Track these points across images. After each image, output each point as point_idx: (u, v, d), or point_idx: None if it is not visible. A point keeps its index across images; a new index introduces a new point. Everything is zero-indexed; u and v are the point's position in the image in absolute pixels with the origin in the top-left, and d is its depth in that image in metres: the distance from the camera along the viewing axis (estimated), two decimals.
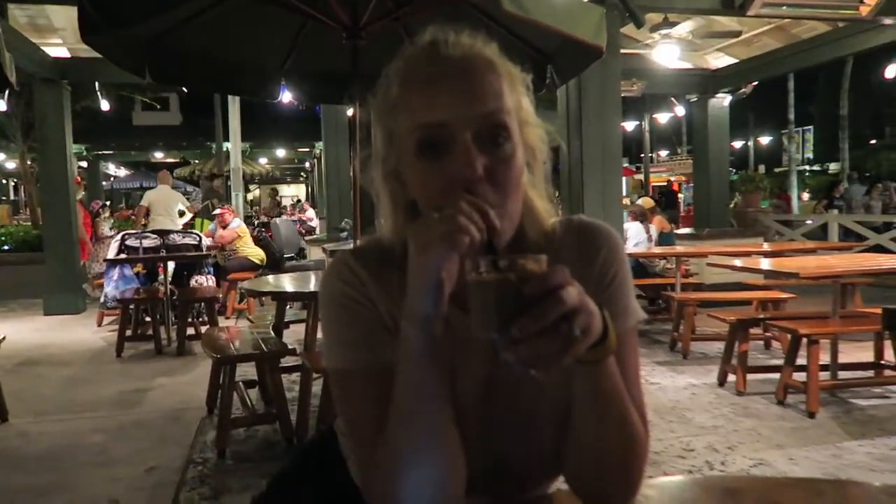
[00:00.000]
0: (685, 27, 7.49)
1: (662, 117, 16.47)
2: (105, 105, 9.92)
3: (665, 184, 23.16)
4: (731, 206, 10.19)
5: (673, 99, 10.45)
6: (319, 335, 2.47)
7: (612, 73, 5.39)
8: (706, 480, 1.61)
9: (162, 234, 6.61)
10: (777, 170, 27.17)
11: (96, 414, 3.95)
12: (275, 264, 7.82)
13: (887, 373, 4.04)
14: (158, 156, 22.08)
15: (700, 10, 6.29)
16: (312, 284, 3.66)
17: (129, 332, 5.66)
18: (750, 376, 4.07)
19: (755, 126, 29.73)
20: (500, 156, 0.76)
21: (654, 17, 6.55)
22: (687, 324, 4.99)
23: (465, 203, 0.68)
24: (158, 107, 19.07)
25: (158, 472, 3.03)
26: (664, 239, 6.92)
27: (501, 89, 0.78)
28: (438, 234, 0.67)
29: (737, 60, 8.46)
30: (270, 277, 4.95)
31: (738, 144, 28.12)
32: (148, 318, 6.03)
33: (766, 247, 7.05)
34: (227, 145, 12.63)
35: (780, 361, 4.02)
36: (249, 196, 22.08)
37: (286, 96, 4.02)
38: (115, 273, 6.49)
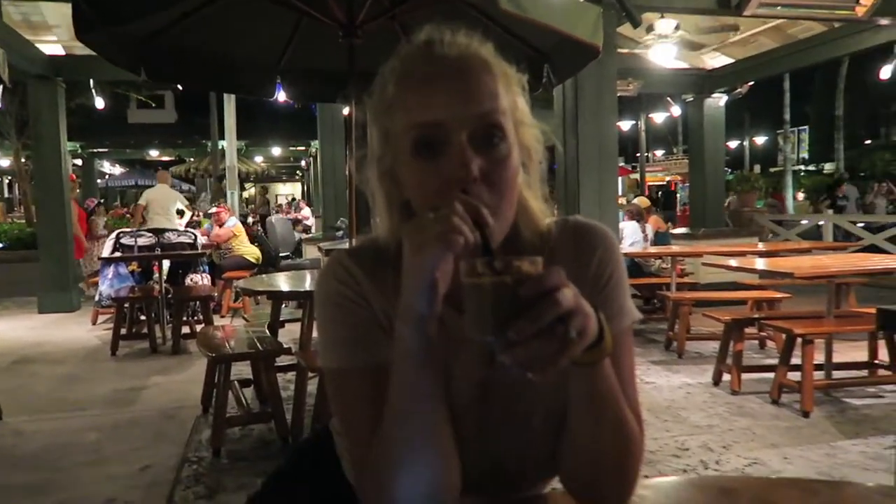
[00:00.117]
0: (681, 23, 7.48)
1: (658, 117, 16.46)
2: (100, 103, 9.86)
3: (664, 183, 23.20)
4: (726, 205, 10.21)
5: (669, 98, 10.45)
6: (315, 334, 2.47)
7: (608, 72, 5.40)
8: (701, 480, 1.62)
9: (157, 232, 6.61)
10: (773, 170, 27.25)
11: (91, 412, 3.93)
12: (270, 263, 7.81)
13: (881, 372, 4.06)
14: (153, 154, 22.01)
15: (696, 9, 6.30)
16: (308, 283, 3.66)
17: (123, 331, 5.64)
18: (745, 376, 4.08)
19: (751, 126, 29.83)
20: (495, 156, 0.76)
21: (651, 17, 6.56)
22: (682, 323, 5.01)
23: (459, 203, 0.68)
24: (154, 105, 19.04)
25: (153, 471, 3.03)
26: (660, 238, 6.94)
27: (497, 90, 0.77)
28: (433, 235, 0.67)
29: (733, 60, 8.48)
30: (265, 276, 4.94)
31: (733, 144, 28.15)
32: (143, 317, 6.01)
33: (761, 246, 7.06)
34: (222, 143, 12.60)
35: (774, 361, 4.03)
36: (245, 194, 22.04)
37: (282, 95, 4.01)
38: (110, 271, 6.48)
